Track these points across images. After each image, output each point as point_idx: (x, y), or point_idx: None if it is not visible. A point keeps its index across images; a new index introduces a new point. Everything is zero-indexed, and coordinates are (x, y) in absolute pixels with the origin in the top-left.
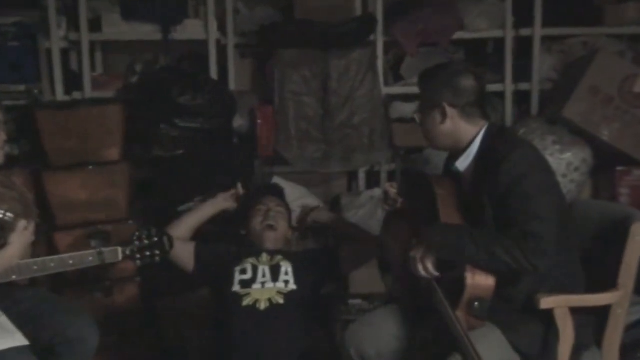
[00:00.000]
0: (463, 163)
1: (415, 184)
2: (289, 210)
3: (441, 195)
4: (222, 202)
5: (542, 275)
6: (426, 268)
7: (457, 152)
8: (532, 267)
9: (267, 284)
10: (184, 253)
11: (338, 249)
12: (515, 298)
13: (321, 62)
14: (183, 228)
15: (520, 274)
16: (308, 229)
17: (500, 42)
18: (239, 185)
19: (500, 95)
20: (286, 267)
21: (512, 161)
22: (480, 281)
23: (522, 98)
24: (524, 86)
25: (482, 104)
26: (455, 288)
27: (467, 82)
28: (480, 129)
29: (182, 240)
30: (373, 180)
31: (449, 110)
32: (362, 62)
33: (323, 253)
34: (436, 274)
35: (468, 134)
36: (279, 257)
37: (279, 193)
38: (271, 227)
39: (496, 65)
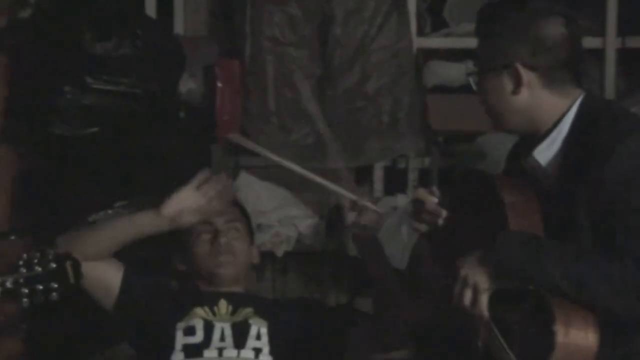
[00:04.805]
0: (545, 153)
1: (468, 188)
2: (248, 218)
3: (513, 204)
4: (161, 218)
5: None
6: (476, 301)
7: (534, 136)
8: None
9: (228, 352)
10: (107, 275)
11: (352, 310)
12: None
13: None
14: (92, 249)
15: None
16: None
17: None
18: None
19: (598, 53)
20: (258, 327)
21: (622, 153)
22: (576, 339)
23: (630, 59)
24: (634, 41)
25: (575, 66)
26: (535, 348)
27: (554, 30)
28: (572, 103)
29: (103, 259)
30: (396, 181)
31: (525, 74)
32: None
33: (320, 311)
34: (486, 314)
35: (553, 111)
36: (248, 310)
37: None
38: (224, 264)
39: (592, 10)
